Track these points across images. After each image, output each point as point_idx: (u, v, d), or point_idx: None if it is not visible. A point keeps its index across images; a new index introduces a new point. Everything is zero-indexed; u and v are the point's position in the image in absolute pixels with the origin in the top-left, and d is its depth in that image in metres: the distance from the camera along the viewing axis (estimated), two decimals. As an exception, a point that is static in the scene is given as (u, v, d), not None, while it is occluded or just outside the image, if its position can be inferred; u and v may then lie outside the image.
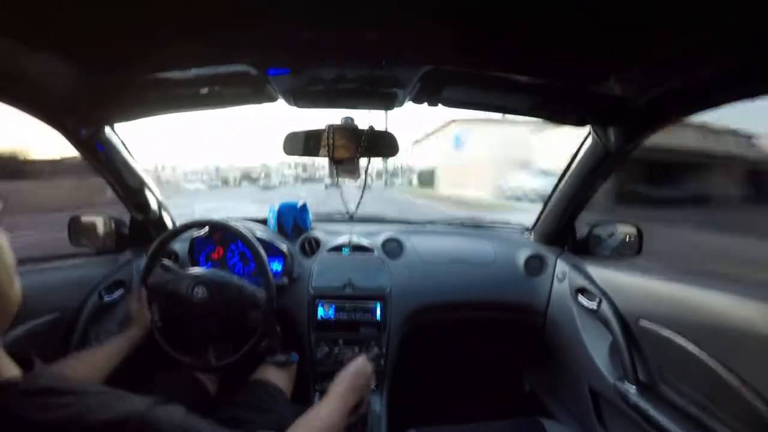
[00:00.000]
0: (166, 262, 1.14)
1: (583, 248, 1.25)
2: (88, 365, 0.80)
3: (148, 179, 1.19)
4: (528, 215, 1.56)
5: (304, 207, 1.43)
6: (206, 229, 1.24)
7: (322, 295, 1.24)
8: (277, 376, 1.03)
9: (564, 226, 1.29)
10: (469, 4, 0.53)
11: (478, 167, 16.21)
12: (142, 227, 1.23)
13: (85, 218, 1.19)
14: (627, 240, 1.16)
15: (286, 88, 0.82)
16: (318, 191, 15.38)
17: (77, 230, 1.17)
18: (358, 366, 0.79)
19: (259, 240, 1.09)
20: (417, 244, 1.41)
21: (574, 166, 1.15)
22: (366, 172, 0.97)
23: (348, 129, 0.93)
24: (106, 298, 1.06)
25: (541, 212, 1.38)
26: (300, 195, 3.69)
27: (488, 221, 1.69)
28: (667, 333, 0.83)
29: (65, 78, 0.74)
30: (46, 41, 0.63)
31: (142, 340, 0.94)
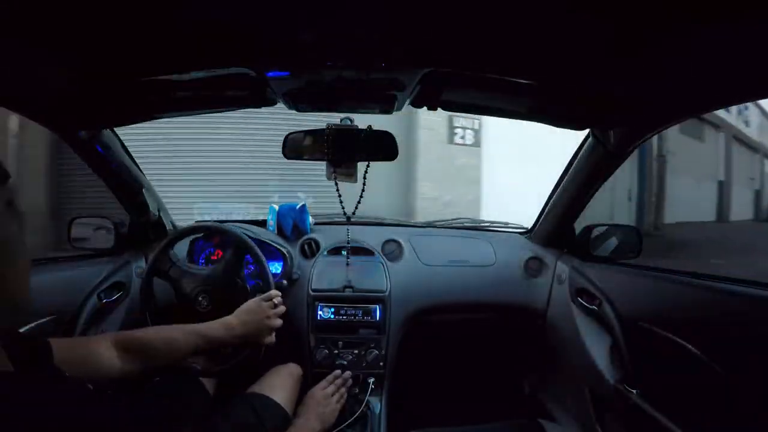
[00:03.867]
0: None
1: (583, 250, 1.24)
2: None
3: (147, 181, 1.19)
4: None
5: (303, 208, 1.43)
6: None
7: (321, 297, 1.23)
8: (278, 389, 0.99)
9: (564, 227, 1.29)
10: (468, 6, 0.53)
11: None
12: (142, 229, 1.23)
13: (85, 220, 1.19)
14: (626, 242, 1.16)
15: (285, 91, 0.82)
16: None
17: (76, 232, 1.17)
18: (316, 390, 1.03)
19: (259, 242, 1.08)
20: (416, 245, 1.40)
21: (573, 167, 1.15)
22: (365, 174, 0.97)
23: (347, 130, 0.93)
24: (105, 300, 1.06)
25: (541, 213, 1.37)
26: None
27: (488, 223, 1.69)
28: (667, 334, 0.83)
29: (63, 80, 0.74)
30: (45, 43, 0.63)
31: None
